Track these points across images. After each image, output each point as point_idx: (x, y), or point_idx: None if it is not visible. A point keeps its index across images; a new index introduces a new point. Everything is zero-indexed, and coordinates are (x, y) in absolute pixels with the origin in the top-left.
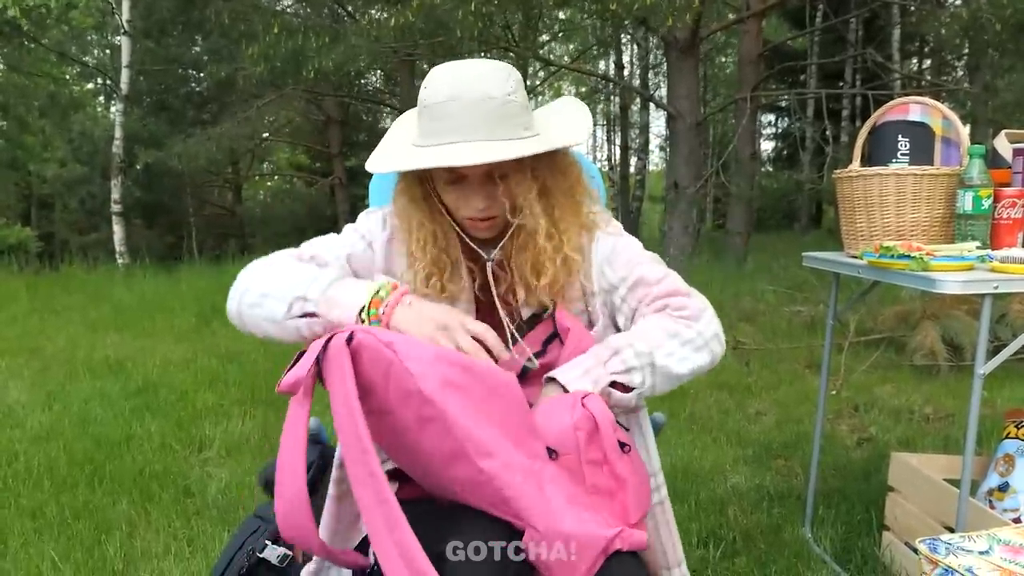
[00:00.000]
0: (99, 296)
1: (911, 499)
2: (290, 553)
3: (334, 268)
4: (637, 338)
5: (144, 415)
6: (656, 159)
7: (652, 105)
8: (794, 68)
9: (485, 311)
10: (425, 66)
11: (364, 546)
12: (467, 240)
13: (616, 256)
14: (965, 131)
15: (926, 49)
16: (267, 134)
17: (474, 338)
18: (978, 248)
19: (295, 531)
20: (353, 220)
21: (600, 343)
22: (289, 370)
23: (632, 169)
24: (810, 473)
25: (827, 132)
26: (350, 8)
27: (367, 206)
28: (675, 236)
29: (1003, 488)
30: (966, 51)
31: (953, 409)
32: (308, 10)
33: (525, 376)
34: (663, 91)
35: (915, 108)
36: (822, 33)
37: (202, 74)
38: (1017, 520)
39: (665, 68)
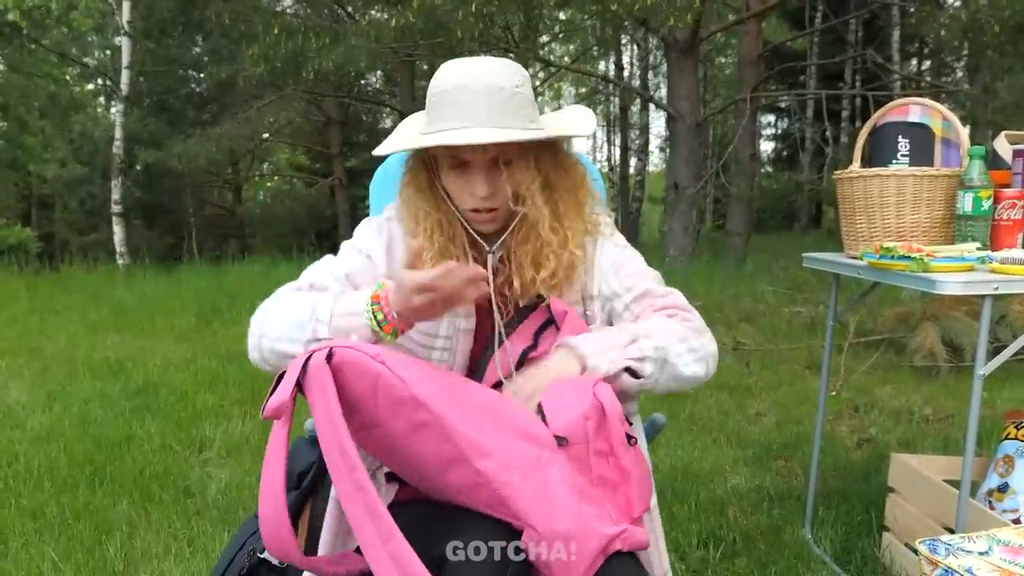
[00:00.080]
0: (99, 296)
1: (911, 500)
2: None
3: (331, 291)
4: (653, 332)
5: (144, 415)
6: (656, 160)
7: (652, 106)
8: (794, 69)
9: (482, 305)
10: (425, 66)
11: None
12: (471, 231)
13: (623, 267)
14: (965, 132)
15: (926, 50)
16: (267, 135)
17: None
18: (978, 249)
19: (278, 546)
20: (353, 221)
21: (616, 327)
22: (271, 394)
23: (632, 170)
24: (810, 474)
25: (827, 133)
26: (350, 9)
27: (367, 207)
28: (675, 237)
29: (1003, 489)
30: (965, 52)
31: (953, 410)
32: (308, 11)
33: (521, 367)
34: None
35: (915, 109)
36: (822, 34)
37: (202, 75)
38: (1017, 521)
39: (665, 69)
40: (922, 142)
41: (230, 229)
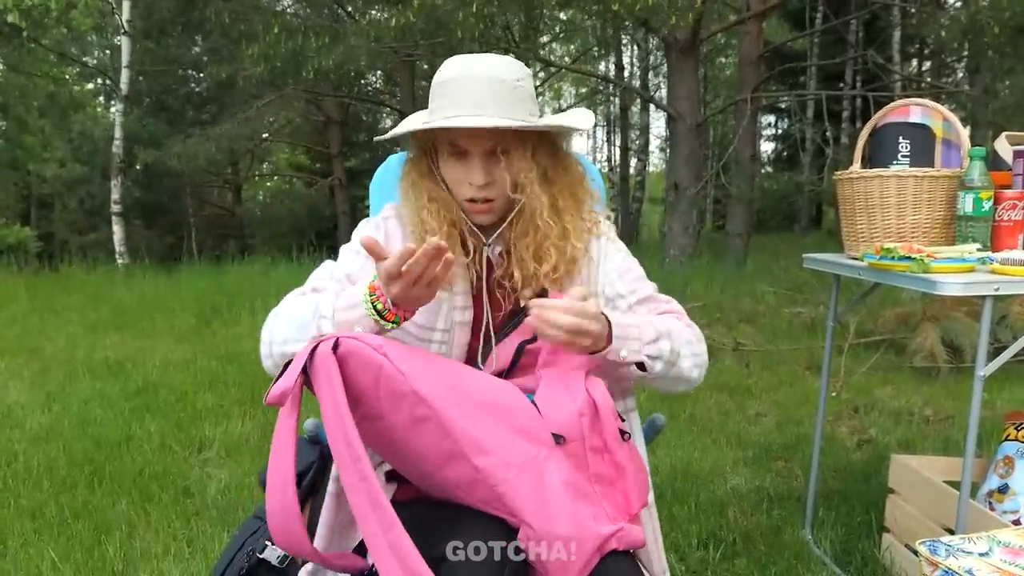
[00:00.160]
0: (99, 296)
1: (911, 501)
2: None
3: (332, 290)
4: (673, 333)
5: (144, 416)
6: (656, 160)
7: (652, 106)
8: (794, 69)
9: (479, 300)
10: (425, 66)
11: (363, 547)
12: (468, 223)
13: (626, 271)
14: (965, 133)
15: (926, 51)
16: (267, 134)
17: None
18: (979, 250)
19: (286, 538)
20: (353, 221)
21: (644, 319)
22: (276, 381)
23: (632, 170)
24: (810, 475)
25: (827, 133)
26: (350, 8)
27: (367, 207)
28: (675, 237)
29: (1003, 490)
30: (966, 53)
31: (953, 411)
32: (308, 10)
33: (516, 365)
34: (663, 92)
35: (916, 110)
36: (822, 34)
37: (202, 74)
38: (1017, 522)
39: (665, 69)
40: (923, 143)
41: (230, 229)
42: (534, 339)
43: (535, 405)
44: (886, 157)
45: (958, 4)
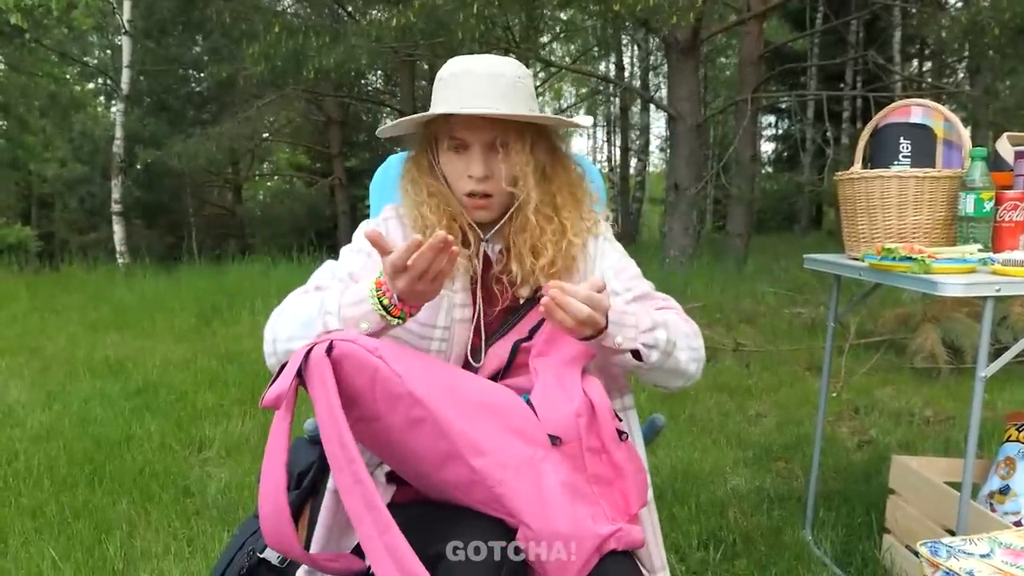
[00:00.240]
0: (99, 296)
1: (912, 502)
2: None
3: (335, 287)
4: (670, 324)
5: (144, 415)
6: (656, 160)
7: (652, 106)
8: (795, 70)
9: (478, 296)
10: (426, 67)
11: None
12: (468, 220)
13: (623, 270)
14: (967, 134)
15: (927, 52)
16: (267, 134)
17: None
18: (980, 251)
19: (278, 540)
20: (353, 221)
21: (642, 308)
22: (271, 384)
23: (632, 170)
24: (810, 475)
25: (828, 134)
26: (350, 8)
27: (367, 207)
28: (675, 237)
29: (1004, 491)
30: (967, 54)
31: (953, 412)
32: (309, 10)
33: (512, 364)
34: (663, 92)
35: (917, 110)
36: (823, 35)
37: (202, 74)
38: (1018, 523)
39: (666, 69)
40: (924, 143)
41: (230, 229)
42: (529, 337)
43: (531, 406)
44: (887, 157)
45: (959, 5)
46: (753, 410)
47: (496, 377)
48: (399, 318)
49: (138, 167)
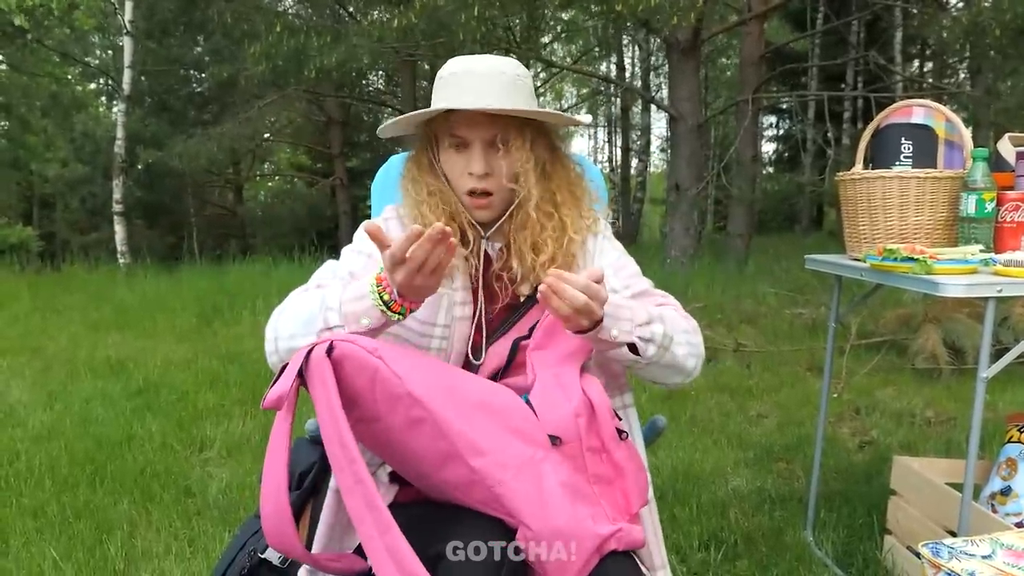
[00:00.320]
0: (100, 296)
1: (913, 503)
2: None
3: (336, 284)
4: (667, 319)
5: (145, 415)
6: (657, 161)
7: (653, 107)
8: (796, 70)
9: (478, 295)
10: (427, 67)
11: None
12: (468, 218)
13: (622, 268)
14: (968, 134)
15: (928, 52)
16: (268, 134)
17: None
18: (981, 251)
19: (279, 540)
20: (354, 221)
21: (639, 303)
22: (272, 385)
23: (633, 171)
24: (811, 476)
25: (828, 134)
26: (352, 9)
27: (368, 207)
28: (676, 238)
29: (1005, 492)
30: (968, 55)
31: (955, 413)
32: (310, 10)
33: (511, 363)
34: (664, 93)
35: (918, 111)
36: (824, 35)
37: (204, 74)
38: (1020, 524)
39: (666, 70)
40: (925, 144)
41: (231, 229)
42: (529, 335)
43: (531, 406)
44: (888, 158)
45: (960, 5)
46: (754, 411)
47: (496, 375)
48: (399, 314)
49: (139, 167)
